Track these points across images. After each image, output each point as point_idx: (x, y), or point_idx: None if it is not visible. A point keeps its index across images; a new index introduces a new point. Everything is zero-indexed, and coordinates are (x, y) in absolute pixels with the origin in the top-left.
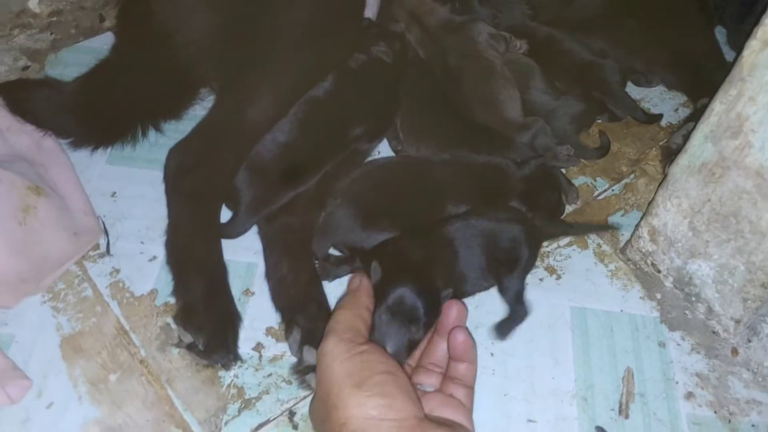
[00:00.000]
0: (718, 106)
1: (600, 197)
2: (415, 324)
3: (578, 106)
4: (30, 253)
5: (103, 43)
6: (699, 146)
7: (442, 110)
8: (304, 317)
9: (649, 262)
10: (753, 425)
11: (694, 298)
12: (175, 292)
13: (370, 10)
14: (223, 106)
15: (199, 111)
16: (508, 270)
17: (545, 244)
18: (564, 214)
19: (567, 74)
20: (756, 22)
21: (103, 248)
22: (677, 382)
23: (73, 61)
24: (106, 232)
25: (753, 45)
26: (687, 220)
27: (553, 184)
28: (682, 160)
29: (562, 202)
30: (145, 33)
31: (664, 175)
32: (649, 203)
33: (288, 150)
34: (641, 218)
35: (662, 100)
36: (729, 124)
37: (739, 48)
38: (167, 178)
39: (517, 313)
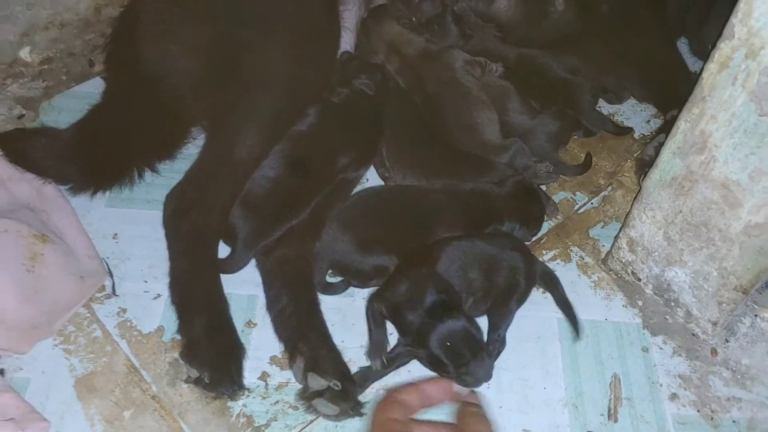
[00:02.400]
0: (683, 124)
1: (580, 211)
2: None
3: (554, 125)
4: (40, 300)
5: (94, 87)
6: (668, 162)
7: (425, 138)
8: (306, 345)
9: (629, 271)
10: (734, 421)
11: (673, 303)
12: (180, 330)
13: (348, 43)
14: (212, 147)
15: (191, 149)
16: (502, 299)
17: None
18: (545, 229)
19: (541, 93)
20: (713, 45)
21: (108, 289)
22: (661, 385)
23: (67, 107)
24: (111, 274)
25: (711, 68)
26: (662, 230)
27: (535, 197)
28: (654, 175)
29: (544, 212)
30: (134, 77)
31: (640, 188)
32: (626, 215)
33: (278, 185)
34: (620, 230)
35: (634, 113)
36: (694, 141)
37: (699, 54)
38: (166, 222)
39: (495, 347)
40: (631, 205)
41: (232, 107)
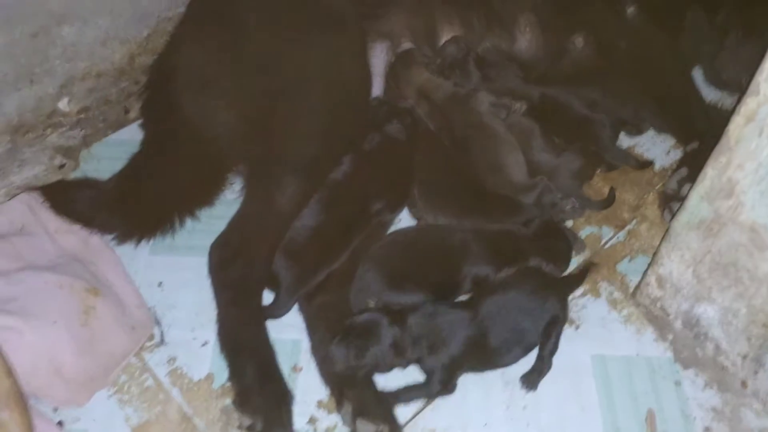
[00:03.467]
0: (710, 171)
1: (607, 246)
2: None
3: (578, 162)
4: (95, 352)
5: (130, 134)
6: (696, 205)
7: (455, 179)
8: (352, 390)
9: (658, 306)
10: None
11: (702, 338)
12: (231, 377)
13: (377, 89)
14: (254, 197)
15: (229, 195)
16: (548, 335)
17: None
18: (573, 264)
19: (564, 130)
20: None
21: (157, 338)
22: (695, 418)
23: (106, 155)
24: (159, 323)
25: (737, 120)
26: (690, 269)
27: (561, 235)
28: (682, 217)
29: (571, 249)
30: (171, 126)
31: (668, 226)
32: (655, 253)
33: (317, 232)
34: (648, 266)
35: (654, 144)
36: (722, 187)
37: (714, 83)
38: (212, 272)
39: (543, 367)
40: (660, 243)
41: (271, 157)
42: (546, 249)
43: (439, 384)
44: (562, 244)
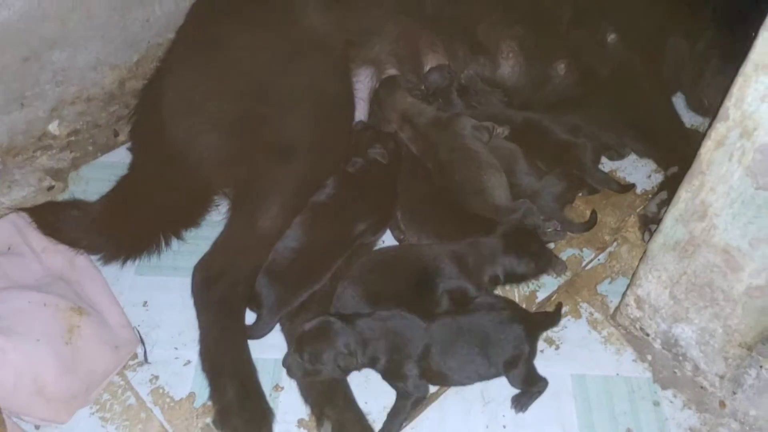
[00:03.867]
0: (684, 194)
1: (588, 267)
2: None
3: (560, 185)
4: (78, 370)
5: (119, 157)
6: (671, 227)
7: (438, 202)
8: (333, 409)
9: (637, 326)
10: None
11: (681, 358)
12: (212, 396)
13: (362, 113)
14: (237, 219)
15: (215, 216)
16: (513, 365)
17: None
18: (555, 286)
19: (547, 154)
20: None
21: (141, 357)
22: None
23: (94, 177)
24: (143, 342)
25: (708, 144)
26: (667, 290)
27: (529, 235)
28: (658, 239)
29: (545, 247)
30: (159, 150)
31: (645, 248)
32: (633, 274)
33: (300, 254)
34: (627, 287)
35: (635, 168)
36: (695, 209)
37: (695, 109)
38: (195, 291)
39: (533, 390)
40: (638, 265)
41: (254, 179)
42: (516, 245)
43: (413, 387)
44: (532, 243)
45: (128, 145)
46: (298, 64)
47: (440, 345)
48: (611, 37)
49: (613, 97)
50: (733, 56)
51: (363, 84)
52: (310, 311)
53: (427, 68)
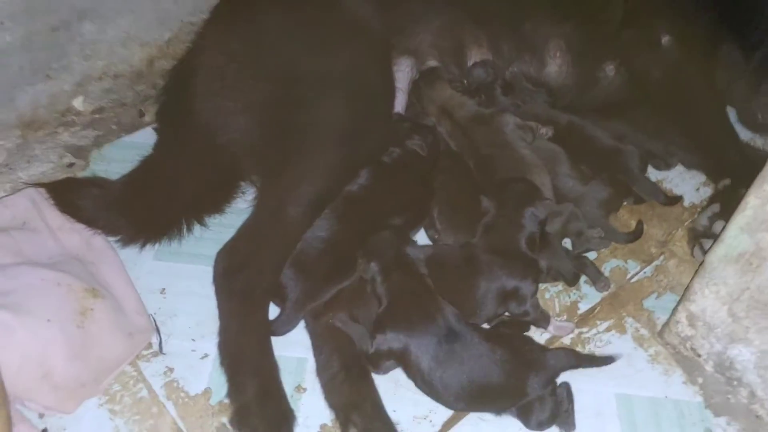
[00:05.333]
0: (753, 200)
1: (633, 280)
2: None
3: (605, 192)
4: (88, 357)
5: (144, 138)
6: (735, 237)
7: (476, 200)
8: (360, 416)
9: (688, 346)
10: None
11: (735, 383)
12: (230, 394)
13: (399, 105)
14: (265, 205)
15: (240, 204)
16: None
17: (584, 329)
18: (598, 299)
19: (591, 159)
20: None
21: (155, 347)
22: None
23: (117, 157)
24: (158, 331)
25: None
26: (726, 306)
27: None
28: (719, 250)
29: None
30: (186, 131)
31: (701, 262)
32: (686, 289)
33: (330, 246)
34: (678, 303)
35: (683, 180)
36: (765, 218)
37: (747, 124)
38: (216, 280)
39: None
40: (692, 278)
41: (285, 165)
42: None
43: None
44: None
45: (154, 125)
46: (337, 47)
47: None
48: (665, 39)
49: (664, 103)
50: None
51: (402, 74)
52: (338, 310)
53: (470, 63)
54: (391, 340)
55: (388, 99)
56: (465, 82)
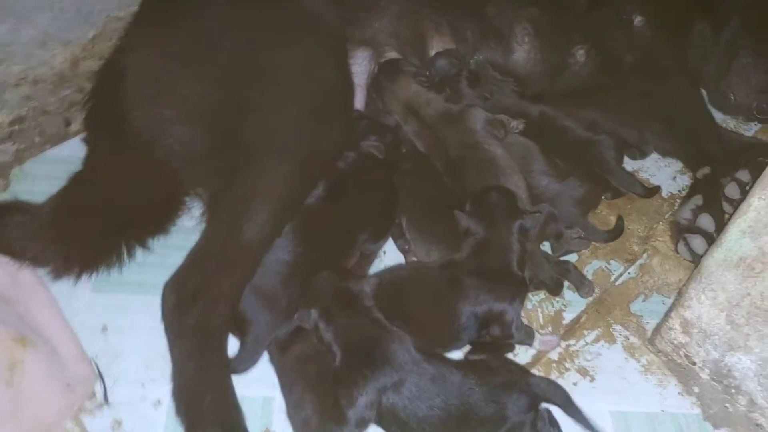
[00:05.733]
0: (756, 202)
1: (617, 282)
2: None
3: (582, 188)
4: (21, 418)
5: (71, 151)
6: (736, 241)
7: (447, 208)
8: None
9: (682, 353)
10: None
11: (734, 391)
12: None
13: (358, 101)
14: (217, 226)
15: (186, 222)
16: None
17: (572, 342)
18: (583, 305)
19: (566, 152)
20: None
21: (100, 397)
22: None
23: (41, 173)
24: (102, 377)
25: None
26: (724, 313)
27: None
28: (717, 254)
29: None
30: (120, 141)
31: (696, 266)
32: (679, 294)
33: (294, 269)
34: (670, 309)
35: (659, 169)
36: None
37: (719, 106)
38: (166, 315)
39: None
40: (686, 283)
41: (236, 179)
42: None
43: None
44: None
45: (82, 136)
46: (287, 42)
47: (418, 388)
48: (637, 20)
49: (638, 87)
50: (762, 49)
51: (359, 68)
52: (306, 338)
53: (431, 52)
54: (362, 404)
55: (347, 97)
56: (428, 73)
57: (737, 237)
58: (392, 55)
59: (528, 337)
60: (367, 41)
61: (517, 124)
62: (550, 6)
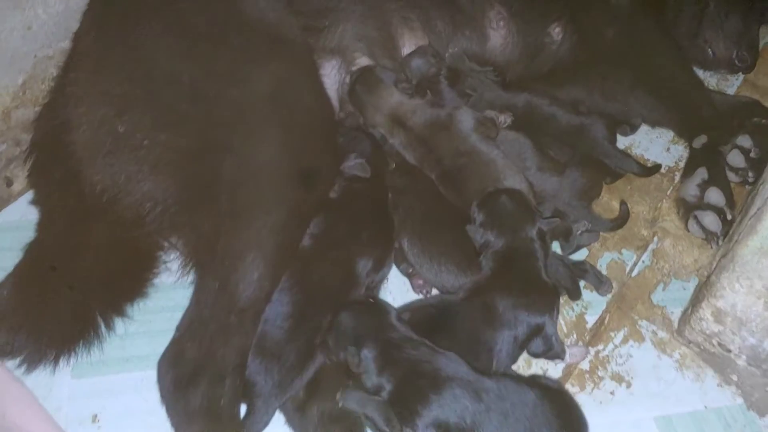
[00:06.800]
0: None
1: (634, 274)
2: None
3: (583, 179)
4: None
5: (18, 214)
6: None
7: (450, 223)
8: None
9: (714, 342)
10: None
11: None
12: None
13: None
14: (208, 289)
15: (165, 279)
16: None
17: (600, 347)
18: (604, 304)
19: (557, 139)
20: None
21: None
22: None
23: None
24: None
25: None
26: (762, 300)
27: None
28: (752, 242)
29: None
30: (76, 202)
31: (724, 253)
32: (706, 283)
33: (298, 321)
34: (698, 298)
35: (651, 141)
36: None
37: (700, 64)
38: (166, 397)
39: None
40: (713, 271)
41: (222, 230)
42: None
43: None
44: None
45: (28, 197)
46: (251, 69)
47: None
48: None
49: (621, 60)
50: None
51: (329, 78)
52: (326, 393)
53: (404, 51)
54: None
55: (328, 120)
56: (405, 76)
57: None
58: (363, 60)
59: (562, 351)
60: (333, 49)
61: (505, 119)
62: None
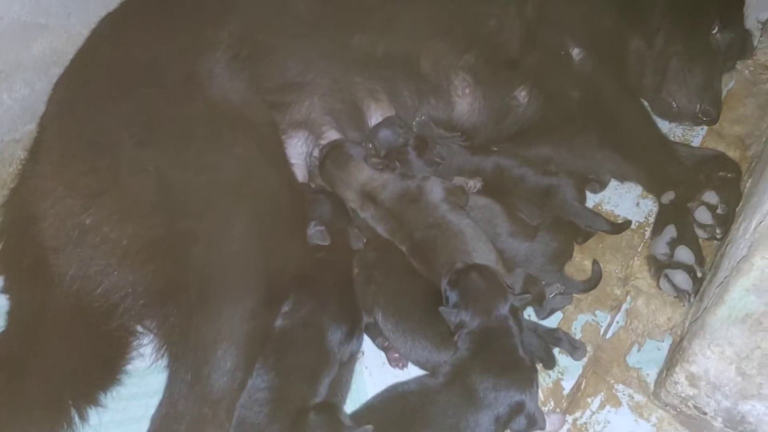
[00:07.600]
0: (759, 261)
1: (608, 335)
2: None
3: (554, 243)
4: None
5: None
6: (740, 299)
7: (423, 298)
8: None
9: (690, 405)
10: None
11: None
12: None
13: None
14: (180, 382)
15: (138, 364)
16: None
17: (577, 414)
18: (580, 369)
19: (527, 201)
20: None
21: None
22: None
23: None
24: None
25: None
26: (733, 366)
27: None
28: (720, 311)
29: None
30: (45, 289)
31: (693, 320)
32: (677, 349)
33: (277, 403)
34: (671, 363)
35: (620, 196)
36: None
37: (663, 115)
38: None
39: None
40: (683, 339)
41: (193, 321)
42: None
43: None
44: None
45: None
46: (217, 153)
47: None
48: (576, 52)
49: (586, 120)
50: (694, 50)
51: (297, 150)
52: None
53: (371, 121)
54: None
55: (296, 201)
56: (372, 148)
57: (741, 295)
58: (331, 133)
59: (543, 422)
60: (301, 122)
61: (474, 184)
62: (484, 52)
